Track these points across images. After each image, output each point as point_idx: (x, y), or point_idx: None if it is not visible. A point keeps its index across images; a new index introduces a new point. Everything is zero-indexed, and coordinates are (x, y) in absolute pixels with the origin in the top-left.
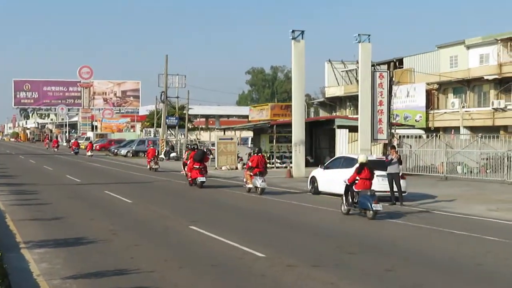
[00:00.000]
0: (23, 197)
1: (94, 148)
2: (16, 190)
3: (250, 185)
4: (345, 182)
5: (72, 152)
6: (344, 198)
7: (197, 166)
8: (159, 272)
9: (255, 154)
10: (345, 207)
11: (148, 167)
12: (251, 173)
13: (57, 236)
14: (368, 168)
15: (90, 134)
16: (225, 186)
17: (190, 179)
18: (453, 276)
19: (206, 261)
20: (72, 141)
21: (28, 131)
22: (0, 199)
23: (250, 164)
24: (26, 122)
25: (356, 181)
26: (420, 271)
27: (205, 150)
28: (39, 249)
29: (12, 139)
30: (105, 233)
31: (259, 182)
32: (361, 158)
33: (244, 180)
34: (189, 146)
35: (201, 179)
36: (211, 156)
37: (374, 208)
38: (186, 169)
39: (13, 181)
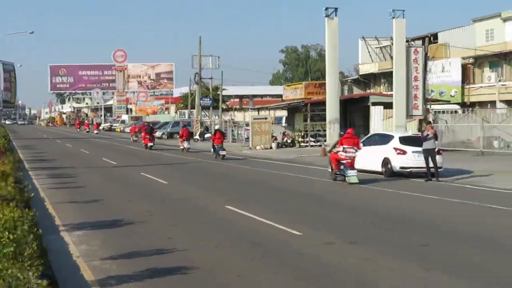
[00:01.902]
0: (61, 180)
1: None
2: (53, 174)
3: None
4: None
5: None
6: None
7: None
8: (195, 251)
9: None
10: None
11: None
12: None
13: (94, 218)
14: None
15: (125, 117)
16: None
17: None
18: (494, 251)
19: (243, 240)
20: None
21: (64, 116)
22: (38, 183)
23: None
24: (62, 107)
25: None
26: (456, 247)
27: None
28: (78, 231)
29: (50, 124)
30: (142, 214)
31: None
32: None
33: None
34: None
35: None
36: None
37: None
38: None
39: (51, 164)
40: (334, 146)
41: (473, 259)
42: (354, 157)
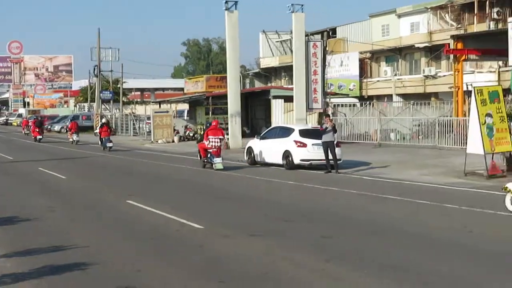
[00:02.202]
0: None
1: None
2: None
3: None
4: None
5: None
6: None
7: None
8: (95, 247)
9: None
10: None
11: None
12: None
13: None
14: None
15: (22, 110)
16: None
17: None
18: (393, 240)
19: (144, 234)
20: None
21: None
22: None
23: None
24: None
25: None
26: (356, 237)
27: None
28: None
29: None
30: (40, 210)
31: None
32: None
33: None
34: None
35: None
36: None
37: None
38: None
39: None
40: (202, 137)
41: (371, 248)
42: (219, 146)
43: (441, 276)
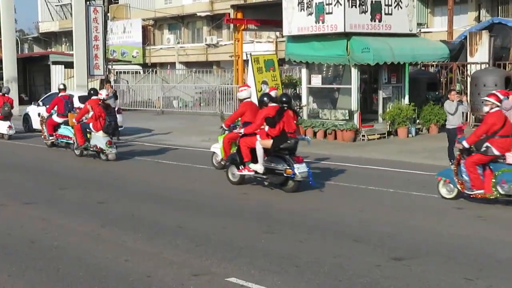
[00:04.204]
0: None
1: None
2: None
3: None
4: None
5: None
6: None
7: None
8: None
9: None
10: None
11: None
12: None
13: None
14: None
15: None
16: None
17: None
18: (163, 203)
19: None
20: None
21: None
22: None
23: None
24: None
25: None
26: (131, 202)
27: None
28: None
29: None
30: None
31: None
32: None
33: None
34: None
35: None
36: None
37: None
38: None
39: None
40: None
41: (144, 212)
42: None
43: (213, 233)
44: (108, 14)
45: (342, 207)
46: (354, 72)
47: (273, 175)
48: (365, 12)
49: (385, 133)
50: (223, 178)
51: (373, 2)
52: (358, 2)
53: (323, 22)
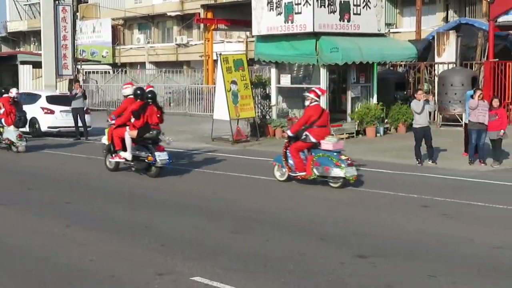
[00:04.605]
0: None
1: None
2: None
3: None
4: None
5: None
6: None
7: None
8: None
9: None
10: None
11: None
12: None
13: None
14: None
15: None
16: None
17: None
18: (128, 202)
19: None
20: None
21: None
22: None
23: None
24: None
25: None
26: (94, 201)
27: None
28: None
29: None
30: None
31: None
32: None
33: None
34: None
35: None
36: None
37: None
38: None
39: None
40: None
41: (107, 210)
42: None
43: (180, 232)
44: (77, 14)
45: (310, 206)
46: (323, 72)
47: (138, 162)
48: (334, 12)
49: (353, 133)
50: (192, 175)
51: (342, 2)
52: (327, 2)
53: (292, 22)
